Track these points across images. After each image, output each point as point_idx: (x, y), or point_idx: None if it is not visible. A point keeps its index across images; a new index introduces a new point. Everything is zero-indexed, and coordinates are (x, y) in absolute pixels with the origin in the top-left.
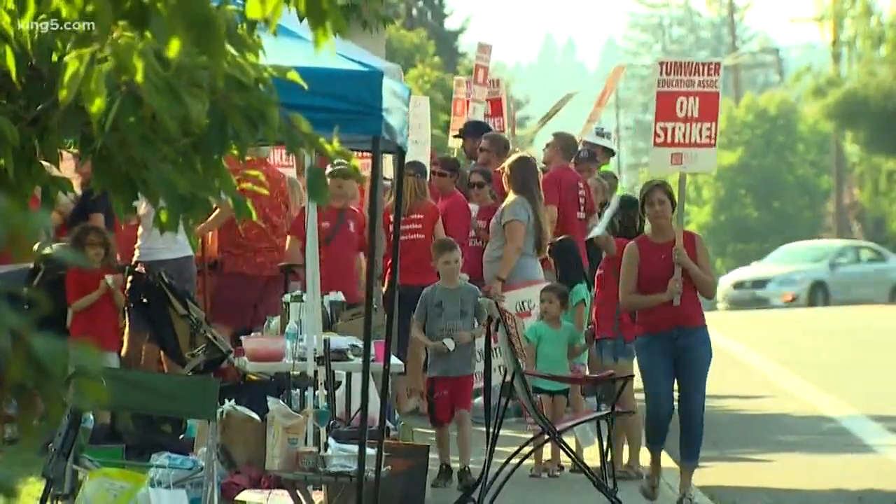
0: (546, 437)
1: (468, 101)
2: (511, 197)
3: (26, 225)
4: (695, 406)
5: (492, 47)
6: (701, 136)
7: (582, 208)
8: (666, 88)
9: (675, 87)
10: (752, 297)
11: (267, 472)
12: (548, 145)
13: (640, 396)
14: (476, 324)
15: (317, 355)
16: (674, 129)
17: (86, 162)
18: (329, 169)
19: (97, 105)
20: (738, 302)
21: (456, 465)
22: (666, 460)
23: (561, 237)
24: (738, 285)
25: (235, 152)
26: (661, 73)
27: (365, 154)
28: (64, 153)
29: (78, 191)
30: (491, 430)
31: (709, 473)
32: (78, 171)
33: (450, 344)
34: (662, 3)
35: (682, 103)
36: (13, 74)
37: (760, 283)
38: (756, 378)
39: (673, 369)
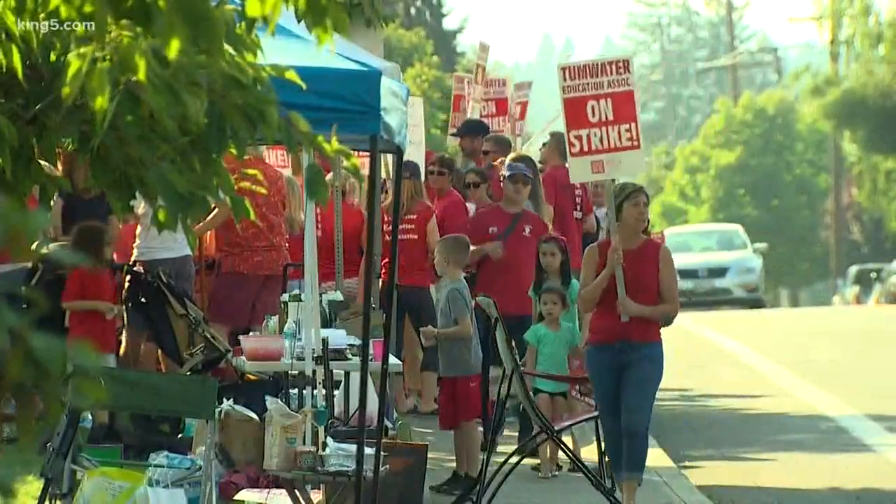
0: (544, 436)
1: (468, 99)
2: None
3: (25, 224)
4: (636, 425)
5: (489, 46)
6: (621, 139)
7: (578, 207)
8: (572, 94)
9: (581, 92)
10: (711, 288)
11: (265, 472)
12: (544, 145)
13: None
14: (454, 322)
15: (315, 355)
16: (589, 136)
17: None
18: (502, 170)
19: (100, 103)
20: (694, 294)
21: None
22: (665, 460)
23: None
24: (690, 274)
25: (234, 151)
26: (564, 79)
27: (363, 153)
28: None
29: None
30: (490, 426)
31: (708, 473)
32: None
33: (428, 342)
34: (661, 3)
35: (593, 108)
36: (19, 73)
37: (719, 272)
38: (756, 378)
39: (617, 383)
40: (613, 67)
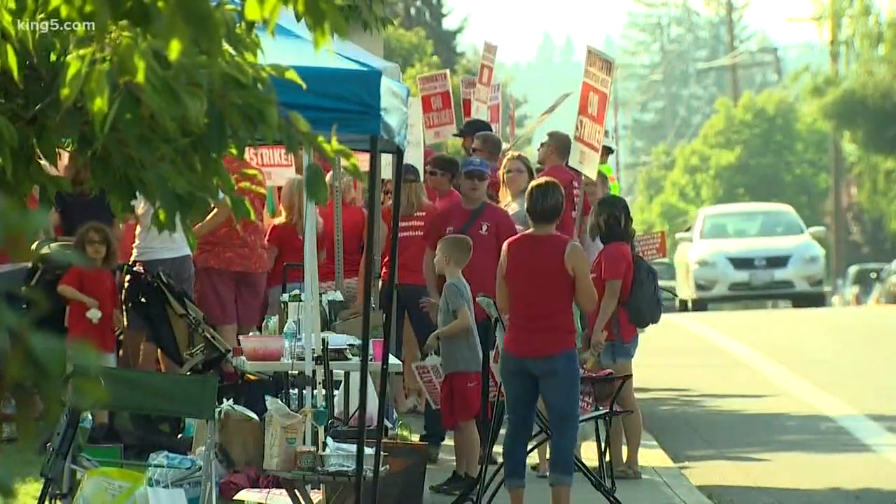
0: (544, 436)
1: (472, 100)
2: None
3: (25, 224)
4: None
5: (497, 47)
6: (594, 136)
7: (576, 207)
8: (587, 80)
9: (590, 80)
10: (770, 281)
11: (265, 472)
12: (543, 145)
13: (640, 395)
14: (453, 315)
15: (315, 355)
16: (584, 124)
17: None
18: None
19: (99, 104)
20: (750, 287)
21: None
22: (665, 460)
23: None
24: (745, 264)
25: (234, 151)
26: (588, 63)
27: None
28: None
29: None
30: (489, 427)
31: (708, 473)
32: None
33: (432, 359)
34: (661, 3)
35: (590, 100)
36: (14, 73)
37: (779, 261)
38: (756, 378)
39: None
40: (607, 66)
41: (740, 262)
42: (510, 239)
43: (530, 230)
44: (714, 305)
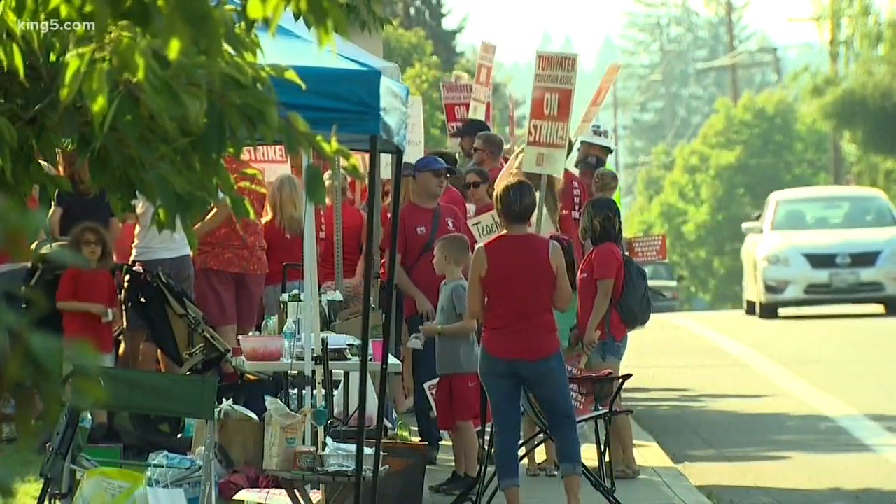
0: (543, 436)
1: (465, 104)
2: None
3: (24, 224)
4: None
5: (496, 47)
6: (556, 135)
7: (577, 207)
8: (540, 84)
9: (545, 83)
10: (855, 283)
11: (265, 472)
12: None
13: (640, 396)
14: (459, 318)
15: (315, 354)
16: (541, 127)
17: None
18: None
19: (99, 103)
20: (831, 290)
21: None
22: (665, 460)
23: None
24: (826, 262)
25: (231, 150)
26: (539, 68)
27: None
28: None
29: None
30: (487, 428)
31: (708, 473)
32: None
33: (415, 343)
34: (660, 2)
35: (547, 100)
36: (20, 73)
37: (866, 259)
38: (755, 378)
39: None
40: (567, 63)
41: (819, 260)
42: (486, 242)
43: (504, 231)
44: (786, 310)
